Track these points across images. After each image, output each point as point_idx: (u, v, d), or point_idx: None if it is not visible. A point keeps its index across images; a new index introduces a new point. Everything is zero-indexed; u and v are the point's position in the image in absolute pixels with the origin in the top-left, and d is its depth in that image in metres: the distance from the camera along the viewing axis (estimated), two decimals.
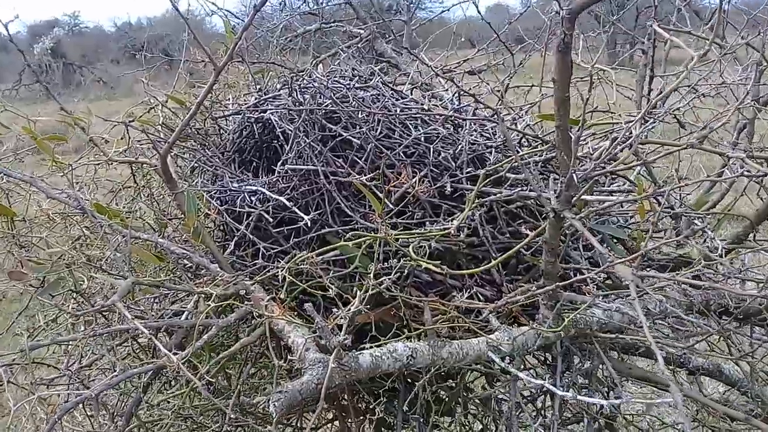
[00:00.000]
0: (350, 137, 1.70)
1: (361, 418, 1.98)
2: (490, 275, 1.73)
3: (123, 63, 20.98)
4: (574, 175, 1.16)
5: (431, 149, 1.75)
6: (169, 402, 1.52)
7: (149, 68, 3.20)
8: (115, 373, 1.23)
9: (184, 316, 1.53)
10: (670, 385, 0.87)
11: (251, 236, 1.67)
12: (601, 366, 1.71)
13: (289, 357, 1.31)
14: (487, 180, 1.66)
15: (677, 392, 0.84)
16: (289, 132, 1.74)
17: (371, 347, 1.33)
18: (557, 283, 1.26)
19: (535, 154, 1.68)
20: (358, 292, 1.28)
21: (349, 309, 1.27)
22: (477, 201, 1.57)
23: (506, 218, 1.76)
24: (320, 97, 1.75)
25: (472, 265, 1.75)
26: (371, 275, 1.36)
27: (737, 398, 2.09)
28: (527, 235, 1.74)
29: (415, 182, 1.40)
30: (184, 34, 2.06)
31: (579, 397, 1.06)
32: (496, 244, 1.73)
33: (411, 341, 1.37)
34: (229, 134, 1.95)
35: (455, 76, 2.27)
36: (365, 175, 1.68)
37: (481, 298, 1.70)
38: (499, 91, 1.77)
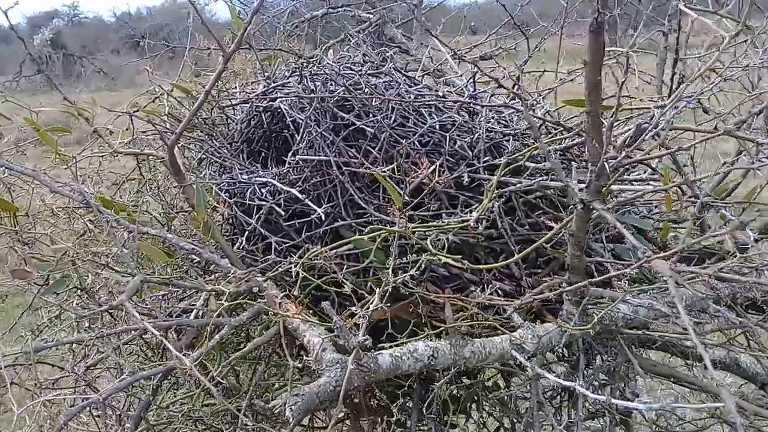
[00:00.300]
0: (364, 126, 1.63)
1: (373, 417, 1.93)
2: (508, 269, 1.67)
3: (123, 53, 20.85)
4: (605, 163, 1.09)
5: (447, 138, 1.69)
6: (179, 403, 1.47)
7: (152, 57, 3.12)
8: (124, 376, 1.17)
9: (193, 315, 1.48)
10: (721, 391, 0.81)
11: (262, 230, 1.61)
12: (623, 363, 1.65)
13: (304, 357, 1.25)
14: (506, 169, 1.60)
15: (730, 398, 0.78)
16: (300, 121, 1.68)
17: (390, 347, 1.27)
18: (590, 280, 1.20)
19: (557, 142, 1.62)
20: (377, 289, 1.22)
21: (368, 307, 1.21)
22: (497, 191, 1.50)
23: (525, 209, 1.69)
24: (332, 85, 1.69)
25: (490, 259, 1.69)
26: (390, 270, 1.30)
27: (753, 392, 2.05)
28: (549, 227, 1.68)
29: (434, 172, 1.33)
30: (189, 21, 1.99)
31: (614, 400, 1.00)
32: (515, 237, 1.66)
33: (431, 340, 1.31)
34: (236, 124, 1.89)
35: (466, 61, 2.19)
36: (379, 165, 1.62)
37: (500, 292, 1.64)
38: (515, 75, 1.69)
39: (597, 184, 1.15)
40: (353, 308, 1.18)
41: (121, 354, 1.60)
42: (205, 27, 1.33)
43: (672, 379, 1.65)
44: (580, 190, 1.21)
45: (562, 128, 1.62)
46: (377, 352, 1.22)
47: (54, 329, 1.71)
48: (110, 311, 1.61)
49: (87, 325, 1.66)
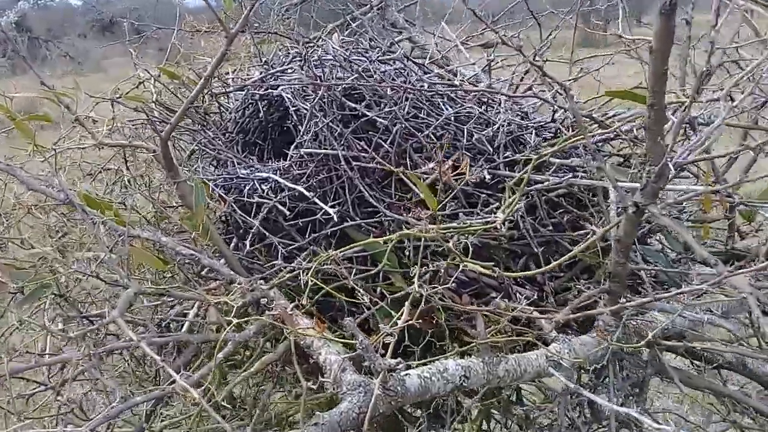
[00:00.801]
0: (375, 117, 1.48)
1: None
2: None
3: (90, 37, 20.32)
4: (669, 164, 0.96)
5: (465, 131, 1.55)
6: (174, 425, 1.32)
7: (124, 41, 2.92)
8: (115, 403, 1.02)
9: (186, 326, 1.32)
10: None
11: (265, 232, 1.45)
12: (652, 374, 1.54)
13: (320, 378, 1.11)
14: (529, 167, 1.47)
15: None
16: (304, 111, 1.53)
17: (417, 365, 1.13)
18: (656, 295, 1.07)
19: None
20: (406, 304, 1.09)
21: (395, 322, 1.07)
22: (525, 190, 1.37)
23: (547, 208, 1.57)
24: (340, 71, 1.53)
25: (510, 261, 1.57)
26: (415, 279, 1.16)
27: (757, 391, 1.99)
28: (576, 228, 1.56)
29: (464, 168, 1.19)
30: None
31: None
32: (538, 238, 1.54)
33: (461, 357, 1.17)
34: (230, 113, 1.73)
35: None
36: (391, 160, 1.48)
37: (521, 298, 1.51)
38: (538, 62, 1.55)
39: (655, 186, 1.02)
40: (381, 326, 1.04)
41: (102, 367, 1.44)
42: (208, 5, 1.17)
43: (707, 391, 1.54)
44: (628, 192, 1.08)
45: (594, 123, 1.48)
46: (404, 373, 1.07)
47: (24, 332, 1.55)
48: (91, 319, 1.45)
49: (62, 327, 1.51)
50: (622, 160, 1.75)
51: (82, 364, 1.06)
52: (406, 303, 1.09)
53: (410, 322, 1.06)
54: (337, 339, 1.12)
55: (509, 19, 2.28)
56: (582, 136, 1.16)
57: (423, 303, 1.28)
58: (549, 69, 2.22)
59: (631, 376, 1.52)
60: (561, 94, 1.67)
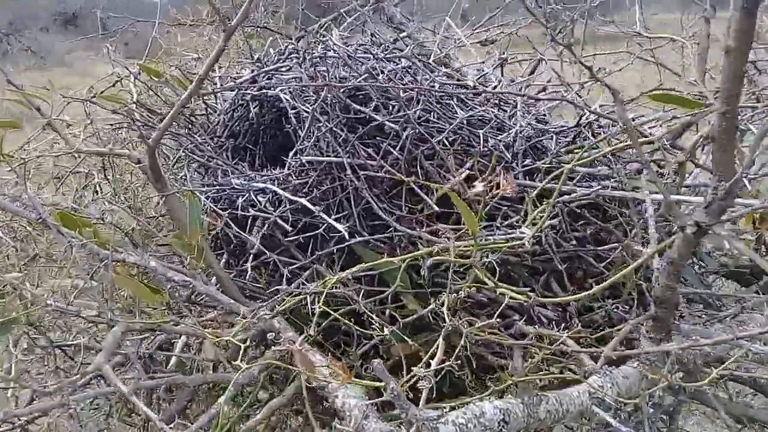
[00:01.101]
0: (386, 121, 1.33)
1: None
2: (552, 293, 1.42)
3: (53, 31, 19.78)
4: (744, 179, 0.84)
5: (481, 136, 1.41)
6: None
7: (88, 36, 2.73)
8: None
9: (173, 361, 1.16)
10: None
11: (266, 251, 1.30)
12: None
13: (337, 425, 0.96)
14: (553, 176, 1.34)
15: None
16: (305, 114, 1.37)
17: (450, 409, 0.99)
18: (739, 335, 0.94)
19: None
20: (440, 340, 0.94)
21: (428, 363, 0.93)
22: (551, 202, 1.23)
23: (569, 220, 1.44)
24: (346, 70, 1.38)
25: (531, 279, 1.43)
26: (444, 308, 1.02)
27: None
28: (608, 244, 1.43)
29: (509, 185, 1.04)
30: None
31: None
32: (560, 253, 1.41)
33: (497, 398, 1.03)
34: (219, 115, 1.56)
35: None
36: (400, 168, 1.34)
37: (544, 320, 1.38)
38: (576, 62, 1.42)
39: (723, 204, 0.89)
40: (415, 369, 0.89)
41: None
42: None
43: (746, 419, 1.42)
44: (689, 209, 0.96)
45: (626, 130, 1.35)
46: (437, 421, 0.93)
47: None
48: (63, 349, 1.29)
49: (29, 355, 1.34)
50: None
51: (59, 415, 0.90)
52: (440, 339, 0.95)
53: (447, 364, 0.91)
54: (356, 380, 0.97)
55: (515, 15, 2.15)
56: (631, 145, 1.02)
57: (423, 323, 1.16)
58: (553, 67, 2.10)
59: (662, 404, 1.41)
60: (579, 96, 1.55)
